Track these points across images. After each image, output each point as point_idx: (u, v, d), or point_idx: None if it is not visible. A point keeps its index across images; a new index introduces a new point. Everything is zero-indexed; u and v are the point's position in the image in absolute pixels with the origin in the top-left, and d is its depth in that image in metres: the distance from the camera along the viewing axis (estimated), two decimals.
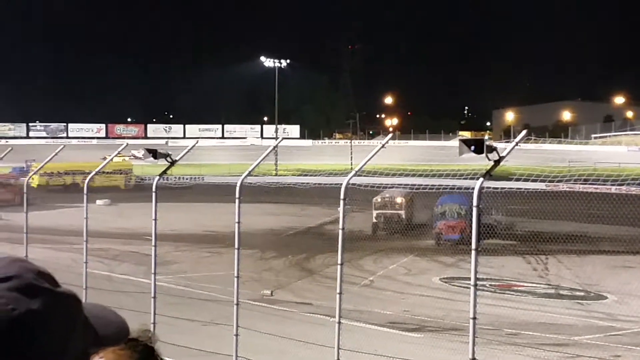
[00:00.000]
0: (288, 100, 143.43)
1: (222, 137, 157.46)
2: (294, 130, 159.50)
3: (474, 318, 13.33)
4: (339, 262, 17.44)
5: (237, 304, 19.12)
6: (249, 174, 19.38)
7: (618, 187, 21.24)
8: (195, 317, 26.57)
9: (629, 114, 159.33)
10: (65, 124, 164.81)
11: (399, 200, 50.28)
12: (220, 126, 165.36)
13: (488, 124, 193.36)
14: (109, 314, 2.02)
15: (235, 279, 19.04)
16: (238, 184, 19.07)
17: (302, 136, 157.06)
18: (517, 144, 15.27)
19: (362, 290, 33.27)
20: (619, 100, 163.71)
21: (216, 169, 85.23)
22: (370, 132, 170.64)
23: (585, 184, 21.71)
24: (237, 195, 19.01)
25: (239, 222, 19.02)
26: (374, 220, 49.70)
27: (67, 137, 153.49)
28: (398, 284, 36.63)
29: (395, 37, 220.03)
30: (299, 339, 23.41)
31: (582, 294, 34.71)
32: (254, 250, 40.26)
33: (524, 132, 15.91)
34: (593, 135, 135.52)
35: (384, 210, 50.18)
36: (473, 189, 14.53)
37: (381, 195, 49.41)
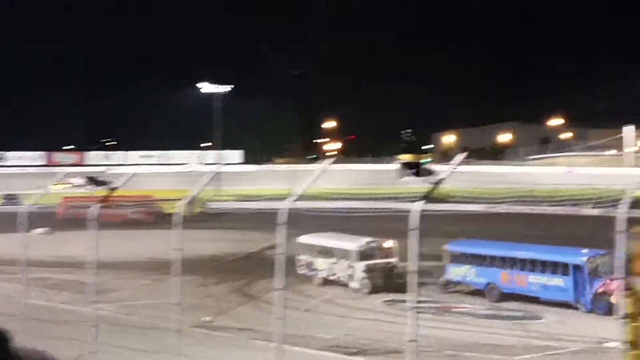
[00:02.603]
0: (230, 125, 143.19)
1: (163, 164, 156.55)
2: (237, 155, 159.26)
3: (414, 340, 13.45)
4: (278, 287, 17.47)
5: (179, 331, 19.02)
6: (190, 202, 19.35)
7: (554, 207, 21.64)
8: (136, 345, 26.34)
9: (565, 135, 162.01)
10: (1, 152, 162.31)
11: (387, 245, 41.64)
12: (161, 152, 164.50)
13: (429, 146, 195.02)
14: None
15: (176, 306, 18.95)
16: (178, 212, 19.02)
17: (245, 161, 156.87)
18: (455, 167, 15.45)
19: (304, 314, 33.29)
20: (556, 122, 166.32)
21: (157, 196, 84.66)
22: (312, 157, 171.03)
23: (522, 204, 22.01)
24: (176, 222, 18.96)
25: (179, 249, 18.95)
26: (362, 274, 40.64)
27: (6, 166, 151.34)
28: (340, 308, 36.72)
29: (337, 62, 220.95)
30: None
31: (520, 314, 35.15)
32: (195, 276, 40.05)
33: (462, 154, 16.11)
34: (530, 157, 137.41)
35: (372, 260, 41.08)
36: (411, 211, 14.67)
37: (362, 242, 41.88)
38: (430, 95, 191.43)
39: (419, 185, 14.47)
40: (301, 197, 18.01)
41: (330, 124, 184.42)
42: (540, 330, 31.54)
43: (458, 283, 40.28)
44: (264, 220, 24.41)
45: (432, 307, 35.06)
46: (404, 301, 33.23)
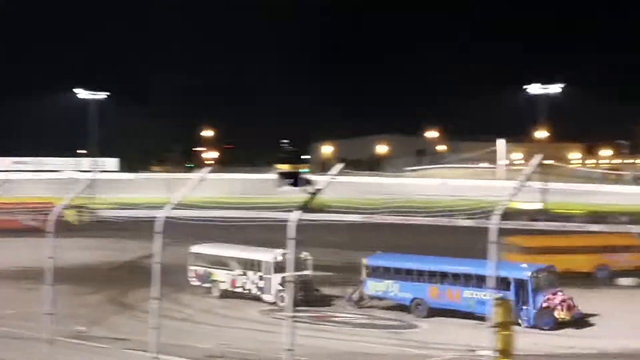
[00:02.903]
0: (107, 133, 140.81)
1: (37, 171, 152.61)
2: (113, 163, 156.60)
3: (290, 349, 13.51)
4: (154, 296, 17.29)
5: (50, 341, 18.60)
6: (65, 208, 18.99)
7: (430, 217, 22.03)
8: (3, 355, 25.59)
9: (440, 147, 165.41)
10: None
11: (303, 255, 39.34)
12: (35, 159, 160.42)
13: (307, 157, 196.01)
14: None
15: (48, 316, 18.53)
16: (51, 219, 18.63)
17: (121, 169, 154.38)
18: (333, 177, 15.58)
19: (181, 324, 33.00)
20: (432, 134, 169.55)
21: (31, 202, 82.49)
22: (190, 165, 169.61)
23: (398, 215, 22.36)
24: (50, 230, 18.57)
25: (52, 258, 18.56)
26: (279, 287, 38.85)
27: None
28: (217, 317, 36.56)
29: (217, 70, 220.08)
30: None
31: (396, 323, 35.69)
32: (69, 285, 39.19)
33: (339, 165, 16.26)
34: (406, 168, 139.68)
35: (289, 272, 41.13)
36: (289, 220, 14.74)
37: (277, 253, 39.27)
38: (310, 106, 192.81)
39: (297, 195, 14.53)
40: (179, 206, 17.88)
41: (208, 133, 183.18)
42: (415, 339, 32.09)
43: (378, 298, 38.94)
44: (141, 228, 24.10)
45: (310, 317, 35.24)
46: (280, 310, 33.39)
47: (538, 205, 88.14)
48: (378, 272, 38.98)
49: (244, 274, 40.82)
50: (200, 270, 42.56)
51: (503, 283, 34.59)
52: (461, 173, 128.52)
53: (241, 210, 22.75)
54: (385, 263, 39.46)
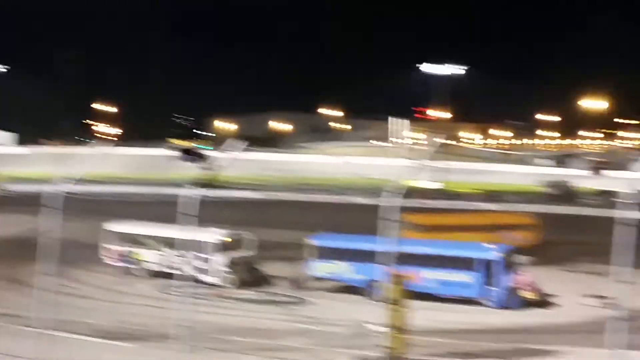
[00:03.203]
0: (4, 106, 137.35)
1: None
2: (7, 137, 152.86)
3: (185, 325, 13.44)
4: (45, 271, 16.98)
5: None
6: None
7: (328, 195, 22.11)
8: None
9: (339, 125, 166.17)
10: None
11: (246, 235, 39.55)
12: None
13: (205, 133, 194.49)
14: None
15: None
16: None
17: (17, 143, 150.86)
18: (232, 154, 15.49)
19: (76, 300, 32.50)
20: (330, 112, 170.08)
21: None
22: (84, 139, 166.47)
23: (298, 192, 22.39)
24: None
25: None
26: (224, 268, 38.15)
27: None
28: (112, 293, 36.11)
29: (115, 46, 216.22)
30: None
31: (289, 299, 35.83)
32: None
33: (238, 141, 16.17)
34: (303, 145, 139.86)
35: (233, 253, 38.75)
36: (187, 196, 14.63)
37: (220, 233, 39.02)
38: (207, 82, 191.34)
39: (196, 171, 14.38)
40: (77, 181, 17.56)
41: (105, 108, 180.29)
42: (308, 314, 32.28)
43: (327, 280, 37.69)
44: (36, 203, 23.56)
45: (208, 294, 35.10)
46: (177, 286, 33.11)
47: (435, 184, 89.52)
48: (326, 253, 37.27)
49: (179, 255, 37.48)
50: (119, 249, 40.90)
51: (471, 263, 35.08)
52: (360, 151, 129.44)
53: (140, 186, 22.49)
54: (338, 244, 37.94)
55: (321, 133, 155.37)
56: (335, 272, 37.19)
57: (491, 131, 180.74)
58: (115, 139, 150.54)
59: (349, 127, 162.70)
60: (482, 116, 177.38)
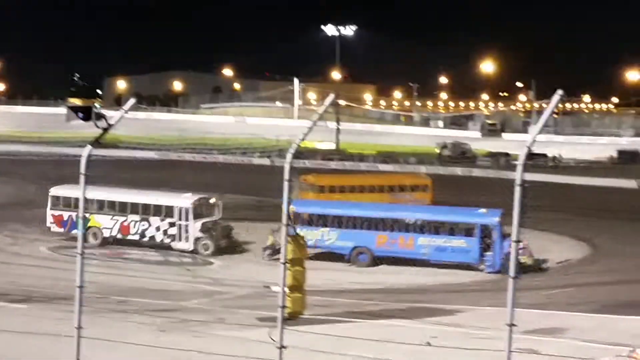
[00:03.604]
0: None
1: None
2: None
3: (81, 286, 13.21)
4: None
5: None
6: None
7: (226, 155, 21.99)
8: None
9: (236, 85, 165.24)
10: None
11: (213, 201, 38.56)
12: None
13: (100, 91, 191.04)
14: None
15: None
16: None
17: None
18: (126, 112, 15.22)
19: None
20: (227, 72, 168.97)
21: None
22: None
23: (194, 153, 22.19)
24: None
25: None
26: (199, 234, 36.80)
27: None
28: (4, 254, 35.37)
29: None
30: None
31: (190, 260, 35.70)
32: None
33: (132, 100, 15.89)
34: (202, 106, 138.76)
35: (207, 218, 37.69)
36: (81, 156, 14.29)
37: (192, 197, 37.81)
38: (104, 39, 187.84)
39: (89, 130, 14.10)
40: None
41: None
42: (210, 276, 32.24)
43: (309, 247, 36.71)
44: None
45: (102, 254, 34.68)
46: (69, 247, 32.61)
47: (332, 145, 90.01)
48: (306, 220, 36.34)
49: (144, 220, 37.55)
50: (66, 215, 38.44)
51: (468, 229, 35.13)
52: (257, 112, 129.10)
53: (30, 145, 21.95)
54: (321, 210, 37.33)
55: (220, 93, 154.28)
56: (318, 239, 35.87)
57: (388, 93, 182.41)
58: (5, 97, 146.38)
59: (247, 87, 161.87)
60: (379, 78, 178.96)
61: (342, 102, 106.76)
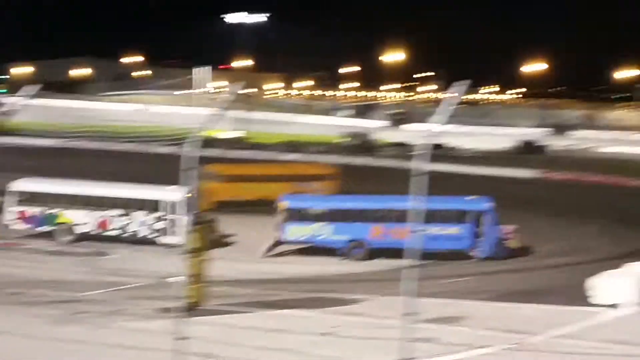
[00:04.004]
0: None
1: None
2: None
3: None
4: None
5: None
6: None
7: (129, 144, 21.77)
8: None
9: (141, 73, 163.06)
10: None
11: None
12: None
13: (1, 77, 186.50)
14: None
15: None
16: None
17: None
18: (26, 99, 14.88)
19: None
20: (133, 59, 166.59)
21: None
22: None
23: (98, 140, 21.87)
24: None
25: None
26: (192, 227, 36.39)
27: None
28: None
29: None
30: None
31: (91, 250, 35.06)
32: None
33: (33, 86, 15.54)
34: (106, 93, 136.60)
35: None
36: None
37: (181, 191, 34.83)
38: (7, 25, 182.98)
39: None
40: None
41: None
42: (110, 267, 31.75)
43: (301, 243, 35.95)
44: None
45: None
46: None
47: (237, 134, 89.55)
48: (299, 215, 35.69)
49: (125, 215, 36.07)
50: (32, 210, 36.68)
51: (461, 216, 35.30)
52: (162, 100, 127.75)
53: None
54: (316, 204, 36.55)
55: (123, 81, 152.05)
56: (312, 234, 35.44)
57: (293, 82, 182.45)
58: None
59: (151, 75, 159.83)
60: (284, 67, 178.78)
61: (248, 91, 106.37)
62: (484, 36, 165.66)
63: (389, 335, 16.74)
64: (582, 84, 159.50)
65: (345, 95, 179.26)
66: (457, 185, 42.68)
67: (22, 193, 36.80)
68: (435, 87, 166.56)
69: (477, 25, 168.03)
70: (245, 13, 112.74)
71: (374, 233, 35.39)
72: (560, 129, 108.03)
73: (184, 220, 34.19)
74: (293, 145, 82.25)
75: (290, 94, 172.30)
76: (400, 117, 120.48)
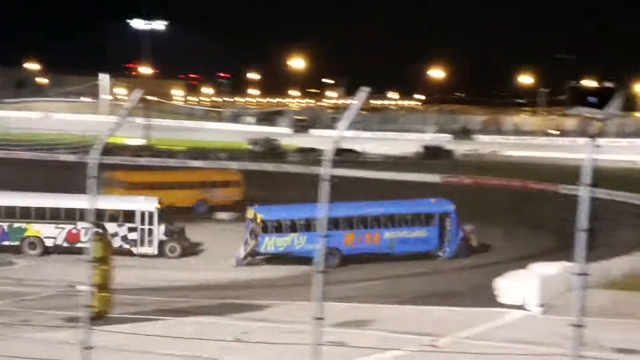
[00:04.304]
0: None
1: None
2: None
3: None
4: None
5: None
6: None
7: (31, 152, 21.34)
8: None
9: (42, 79, 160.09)
10: None
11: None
12: None
13: None
14: None
15: None
16: None
17: None
18: None
19: None
20: (33, 66, 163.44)
21: None
22: None
23: None
24: None
25: None
26: (162, 237, 36.27)
27: None
28: None
29: None
30: None
31: None
32: None
33: None
34: (5, 101, 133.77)
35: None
36: None
37: (152, 201, 37.25)
38: None
39: None
40: None
41: None
42: (12, 276, 31.06)
43: (278, 255, 35.44)
44: None
45: None
46: None
47: (141, 141, 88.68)
48: (275, 227, 35.31)
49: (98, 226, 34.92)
50: None
51: (428, 219, 36.25)
52: (63, 107, 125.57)
53: None
54: (290, 215, 35.92)
55: (24, 88, 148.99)
56: (288, 245, 35.15)
57: (198, 88, 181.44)
58: None
59: (53, 82, 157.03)
60: (189, 73, 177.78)
61: (151, 98, 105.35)
62: (385, 43, 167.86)
63: (299, 340, 16.72)
64: (483, 89, 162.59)
65: (251, 102, 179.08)
66: (359, 190, 42.97)
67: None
68: (339, 93, 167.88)
69: (379, 33, 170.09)
70: (145, 20, 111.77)
71: (348, 240, 35.52)
72: (465, 133, 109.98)
73: (159, 230, 35.45)
74: (198, 152, 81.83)
75: (195, 100, 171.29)
76: (305, 122, 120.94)
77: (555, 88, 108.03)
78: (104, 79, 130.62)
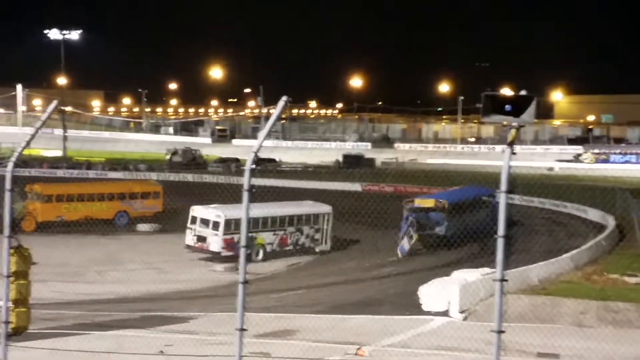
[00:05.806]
0: None
1: None
2: None
3: None
4: None
5: None
6: None
7: None
8: None
9: None
10: None
11: None
12: None
13: None
14: None
15: None
16: None
17: None
18: None
19: None
20: None
21: None
22: None
23: None
24: None
25: None
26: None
27: None
28: None
29: None
30: None
31: None
32: None
33: None
34: None
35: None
36: None
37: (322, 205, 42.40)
38: None
39: None
40: None
41: None
42: None
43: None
44: None
45: None
46: None
47: (58, 153, 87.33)
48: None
49: (298, 230, 39.95)
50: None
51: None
52: None
53: None
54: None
55: None
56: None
57: (116, 99, 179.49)
58: None
59: None
60: (107, 84, 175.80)
61: (68, 109, 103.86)
62: (305, 52, 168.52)
63: (221, 351, 16.64)
64: (403, 97, 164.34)
65: (169, 112, 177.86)
66: (281, 199, 42.94)
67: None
68: (258, 102, 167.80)
69: (298, 42, 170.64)
70: (64, 30, 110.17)
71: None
72: (385, 141, 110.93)
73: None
74: (117, 163, 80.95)
75: (113, 111, 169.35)
76: (225, 132, 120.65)
77: (473, 96, 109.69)
78: (19, 90, 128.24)
